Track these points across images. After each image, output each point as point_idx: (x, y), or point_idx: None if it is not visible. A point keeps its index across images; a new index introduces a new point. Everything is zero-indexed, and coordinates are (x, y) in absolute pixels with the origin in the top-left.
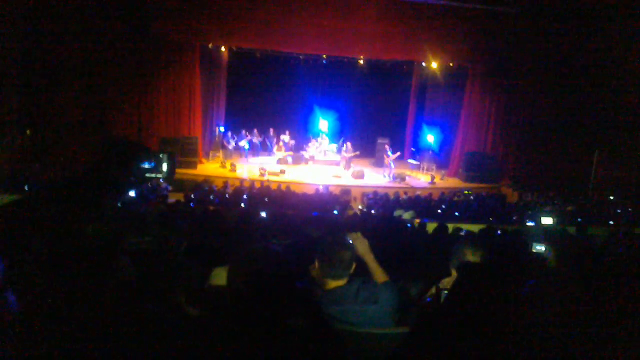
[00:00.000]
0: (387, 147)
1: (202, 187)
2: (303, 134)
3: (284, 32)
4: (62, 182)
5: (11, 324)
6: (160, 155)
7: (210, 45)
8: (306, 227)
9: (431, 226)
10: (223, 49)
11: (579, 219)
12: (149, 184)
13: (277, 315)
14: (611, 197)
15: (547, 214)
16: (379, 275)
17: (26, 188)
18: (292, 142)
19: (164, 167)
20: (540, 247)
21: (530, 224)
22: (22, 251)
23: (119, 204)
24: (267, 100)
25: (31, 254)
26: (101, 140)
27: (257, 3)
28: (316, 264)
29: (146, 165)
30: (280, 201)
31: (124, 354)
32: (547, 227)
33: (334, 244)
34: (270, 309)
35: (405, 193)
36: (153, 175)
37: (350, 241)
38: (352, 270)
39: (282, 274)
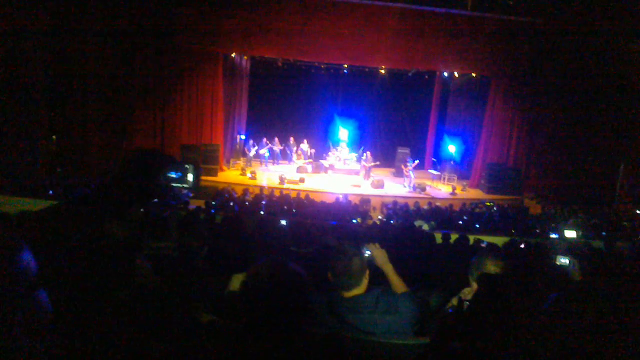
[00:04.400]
0: (407, 158)
1: (223, 194)
2: (323, 142)
3: (305, 42)
4: (94, 191)
5: (44, 322)
6: (186, 166)
7: (232, 55)
8: (325, 236)
9: (452, 237)
10: (245, 57)
11: (603, 233)
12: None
13: (287, 328)
14: (637, 212)
15: (571, 227)
16: (399, 286)
17: (50, 192)
18: (312, 150)
19: (190, 177)
20: (564, 260)
21: (553, 236)
22: (54, 252)
23: (141, 209)
24: (287, 108)
25: (62, 255)
26: (129, 151)
27: (279, 13)
28: (329, 275)
29: (172, 175)
30: (300, 209)
31: (138, 354)
32: (570, 240)
33: (339, 254)
34: (281, 322)
35: (429, 203)
36: (179, 185)
37: (368, 252)
38: (365, 278)
39: (296, 290)
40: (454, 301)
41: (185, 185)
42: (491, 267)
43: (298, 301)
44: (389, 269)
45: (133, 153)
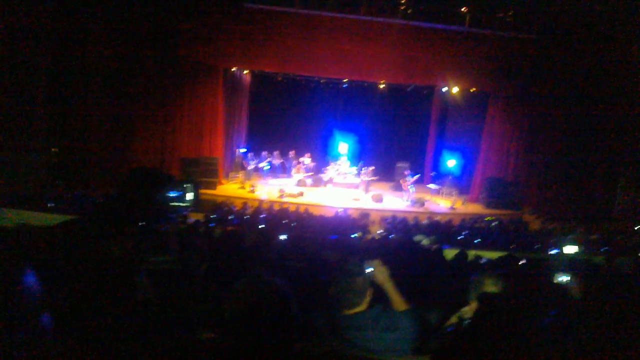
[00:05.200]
0: (406, 172)
1: (222, 207)
2: (323, 156)
3: (305, 57)
4: (96, 210)
5: (47, 344)
6: (185, 185)
7: (233, 69)
8: (324, 251)
9: (451, 253)
10: (246, 72)
11: (603, 249)
12: None
13: (275, 343)
14: (636, 227)
15: (571, 243)
16: (399, 304)
17: (49, 205)
18: (312, 164)
19: (189, 196)
20: (563, 277)
21: (553, 252)
22: (59, 273)
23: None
24: (287, 122)
25: (67, 275)
26: (129, 170)
27: (279, 28)
28: (331, 291)
29: (172, 195)
30: (299, 223)
31: None
32: (570, 256)
33: (344, 272)
34: (268, 337)
35: (428, 218)
36: (178, 204)
37: (369, 269)
38: (368, 295)
39: (278, 303)
40: (454, 319)
41: (184, 204)
42: (490, 285)
43: (281, 315)
44: (389, 287)
45: (132, 172)
